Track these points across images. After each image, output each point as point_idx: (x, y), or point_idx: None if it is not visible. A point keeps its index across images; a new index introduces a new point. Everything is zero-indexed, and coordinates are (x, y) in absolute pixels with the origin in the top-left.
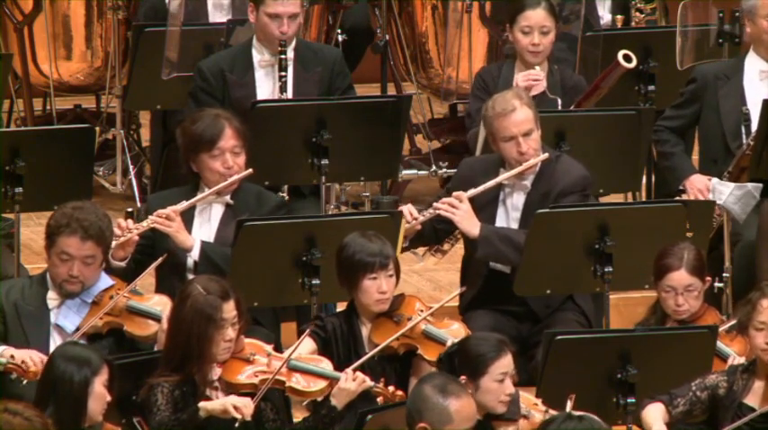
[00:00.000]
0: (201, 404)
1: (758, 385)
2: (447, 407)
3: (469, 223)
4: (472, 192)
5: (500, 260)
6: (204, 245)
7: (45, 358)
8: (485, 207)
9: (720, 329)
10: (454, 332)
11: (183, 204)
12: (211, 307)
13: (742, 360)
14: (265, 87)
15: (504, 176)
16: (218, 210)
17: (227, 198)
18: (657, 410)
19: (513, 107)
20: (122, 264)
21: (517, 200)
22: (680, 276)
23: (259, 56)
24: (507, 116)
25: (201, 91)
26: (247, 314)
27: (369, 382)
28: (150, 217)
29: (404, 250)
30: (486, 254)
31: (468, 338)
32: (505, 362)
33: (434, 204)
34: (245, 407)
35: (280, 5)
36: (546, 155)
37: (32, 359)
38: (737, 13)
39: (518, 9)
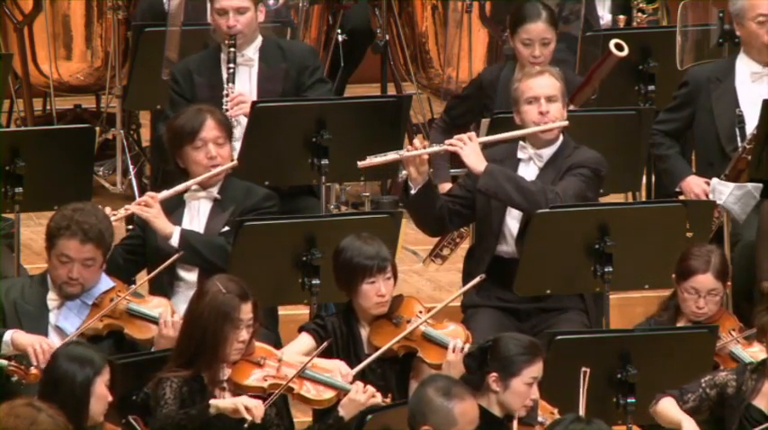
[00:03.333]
0: (212, 401)
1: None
2: (451, 410)
3: (476, 159)
4: (486, 138)
5: (500, 195)
6: (184, 232)
7: (53, 345)
8: None
9: (738, 336)
10: (452, 333)
11: (165, 192)
12: (229, 306)
13: None
14: (225, 87)
15: (521, 132)
16: (206, 206)
17: (215, 193)
18: (674, 404)
19: (542, 71)
20: None
21: (530, 174)
22: (705, 280)
23: (224, 55)
24: (534, 77)
25: (175, 93)
26: (262, 318)
27: (378, 397)
28: (128, 205)
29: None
30: (487, 186)
31: (503, 337)
32: (538, 367)
33: (446, 141)
34: (255, 408)
35: (225, 0)
36: (566, 122)
37: (41, 346)
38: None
39: (518, 21)
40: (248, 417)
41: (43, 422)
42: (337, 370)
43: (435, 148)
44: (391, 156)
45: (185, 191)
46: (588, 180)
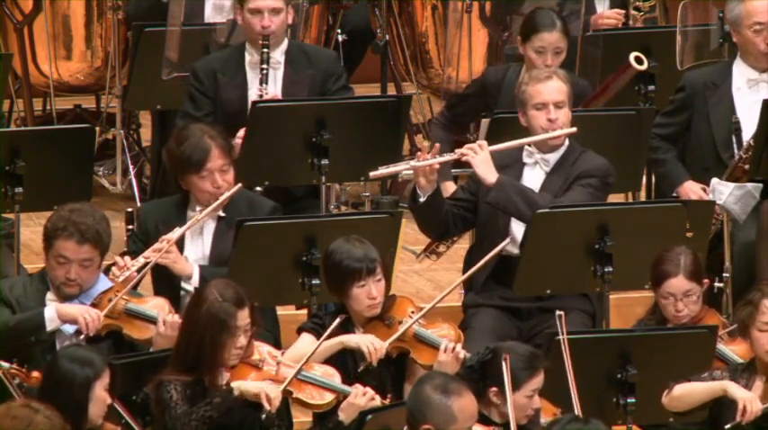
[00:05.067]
0: (235, 383)
1: (758, 384)
2: (450, 407)
3: (487, 169)
4: (497, 146)
5: (509, 208)
6: (203, 270)
7: (101, 313)
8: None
9: (722, 333)
10: (442, 334)
11: (177, 232)
12: (226, 313)
13: None
14: (256, 88)
15: (530, 139)
16: (210, 225)
17: (219, 211)
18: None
19: (550, 76)
20: None
21: (536, 178)
22: (678, 283)
23: (250, 56)
24: (542, 82)
25: (196, 90)
26: (261, 320)
27: (377, 399)
28: (146, 252)
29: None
30: (497, 199)
31: (501, 350)
32: (538, 380)
33: (457, 150)
34: (275, 399)
35: (260, 0)
36: (574, 128)
37: (89, 314)
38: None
39: (532, 29)
40: (267, 406)
41: (40, 423)
42: (369, 343)
43: (446, 158)
44: (402, 166)
45: (195, 224)
46: (596, 191)
